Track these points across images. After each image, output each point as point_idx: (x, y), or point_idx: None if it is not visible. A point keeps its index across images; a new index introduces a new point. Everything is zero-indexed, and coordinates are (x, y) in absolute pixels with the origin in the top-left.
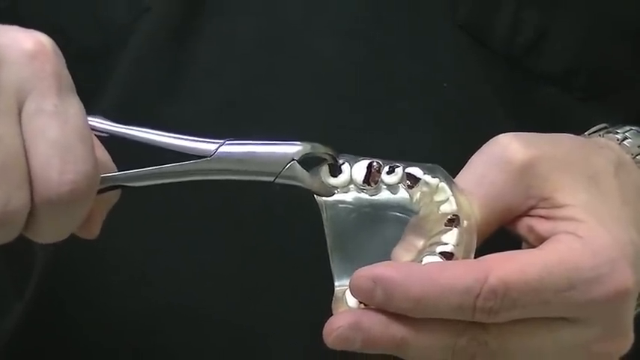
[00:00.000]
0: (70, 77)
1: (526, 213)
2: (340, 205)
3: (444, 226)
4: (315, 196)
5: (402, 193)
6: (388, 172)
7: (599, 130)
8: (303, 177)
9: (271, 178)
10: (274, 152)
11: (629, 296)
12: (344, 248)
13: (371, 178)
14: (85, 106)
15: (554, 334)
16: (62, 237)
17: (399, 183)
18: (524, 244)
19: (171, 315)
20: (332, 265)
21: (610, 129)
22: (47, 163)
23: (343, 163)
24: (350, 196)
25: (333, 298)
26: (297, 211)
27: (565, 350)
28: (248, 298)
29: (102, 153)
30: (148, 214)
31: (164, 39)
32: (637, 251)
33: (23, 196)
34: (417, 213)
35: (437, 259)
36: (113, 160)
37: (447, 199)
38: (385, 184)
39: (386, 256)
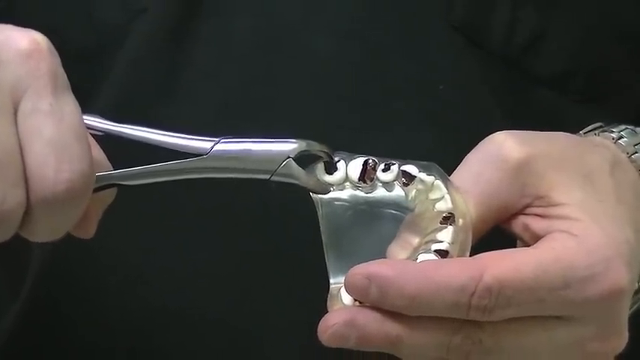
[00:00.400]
0: (66, 76)
1: (521, 211)
2: (336, 203)
3: (439, 224)
4: (310, 193)
5: (398, 191)
6: (384, 170)
7: (595, 129)
8: (298, 174)
9: (267, 176)
10: (270, 150)
11: (623, 295)
12: (339, 246)
13: (366, 175)
14: (81, 106)
15: (549, 332)
16: (58, 236)
17: (395, 180)
18: (519, 242)
19: (166, 314)
20: (327, 262)
21: (605, 128)
22: (43, 161)
23: (339, 161)
24: (345, 193)
25: (329, 296)
26: (293, 209)
27: (560, 349)
28: (244, 297)
29: (97, 152)
30: (143, 212)
31: (161, 40)
32: (632, 250)
33: (19, 194)
34: (412, 210)
35: (432, 256)
36: (109, 159)
37: (443, 196)
38: (381, 182)
39: (381, 253)
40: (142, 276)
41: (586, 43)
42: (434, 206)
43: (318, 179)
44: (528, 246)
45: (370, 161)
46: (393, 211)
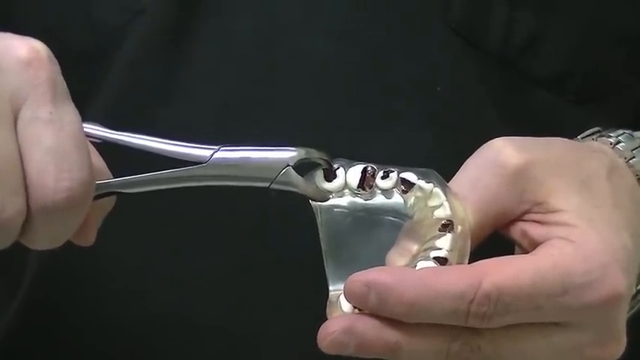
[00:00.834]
0: (65, 84)
1: (520, 217)
2: (335, 210)
3: (437, 231)
4: (310, 201)
5: (397, 198)
6: (383, 177)
7: (592, 133)
8: (297, 182)
9: (266, 184)
10: (269, 158)
11: (621, 301)
12: (338, 253)
13: (365, 182)
14: (80, 107)
15: (547, 338)
16: (58, 244)
17: (394, 188)
18: (517, 248)
19: (165, 320)
20: (326, 269)
21: (603, 133)
22: (43, 170)
23: (338, 168)
24: (345, 200)
25: (328, 303)
26: (292, 216)
27: (558, 355)
28: (243, 304)
29: (97, 160)
30: (143, 219)
31: (159, 40)
32: (629, 255)
33: (19, 202)
34: (411, 218)
35: (431, 264)
36: (108, 167)
37: (441, 204)
38: (380, 189)
39: (380, 260)
40: (141, 282)
41: (583, 44)
42: (432, 213)
43: (317, 187)
44: (527, 252)
45: (369, 168)
46: (392, 218)
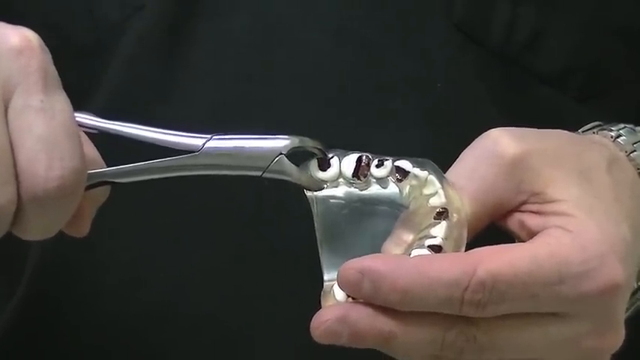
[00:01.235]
0: (57, 73)
1: (517, 208)
2: (331, 201)
3: (432, 220)
4: (305, 191)
5: (392, 188)
6: (377, 166)
7: (594, 127)
8: (291, 171)
9: (259, 173)
10: (262, 146)
11: (618, 291)
12: (333, 243)
13: (360, 171)
14: (78, 103)
15: (544, 328)
16: (50, 234)
17: (389, 176)
18: (515, 240)
19: (159, 310)
20: (321, 259)
21: (604, 126)
22: (34, 158)
23: (332, 157)
24: (340, 190)
25: (322, 293)
26: (287, 206)
27: (555, 345)
28: (236, 294)
29: (90, 149)
30: (137, 209)
31: (157, 37)
32: (628, 247)
33: (9, 191)
34: (407, 207)
35: (425, 252)
36: (102, 157)
37: (436, 192)
38: (374, 178)
39: (376, 251)
40: (135, 272)
41: (586, 40)
42: (428, 202)
43: (311, 176)
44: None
45: (364, 157)
46: (388, 209)
